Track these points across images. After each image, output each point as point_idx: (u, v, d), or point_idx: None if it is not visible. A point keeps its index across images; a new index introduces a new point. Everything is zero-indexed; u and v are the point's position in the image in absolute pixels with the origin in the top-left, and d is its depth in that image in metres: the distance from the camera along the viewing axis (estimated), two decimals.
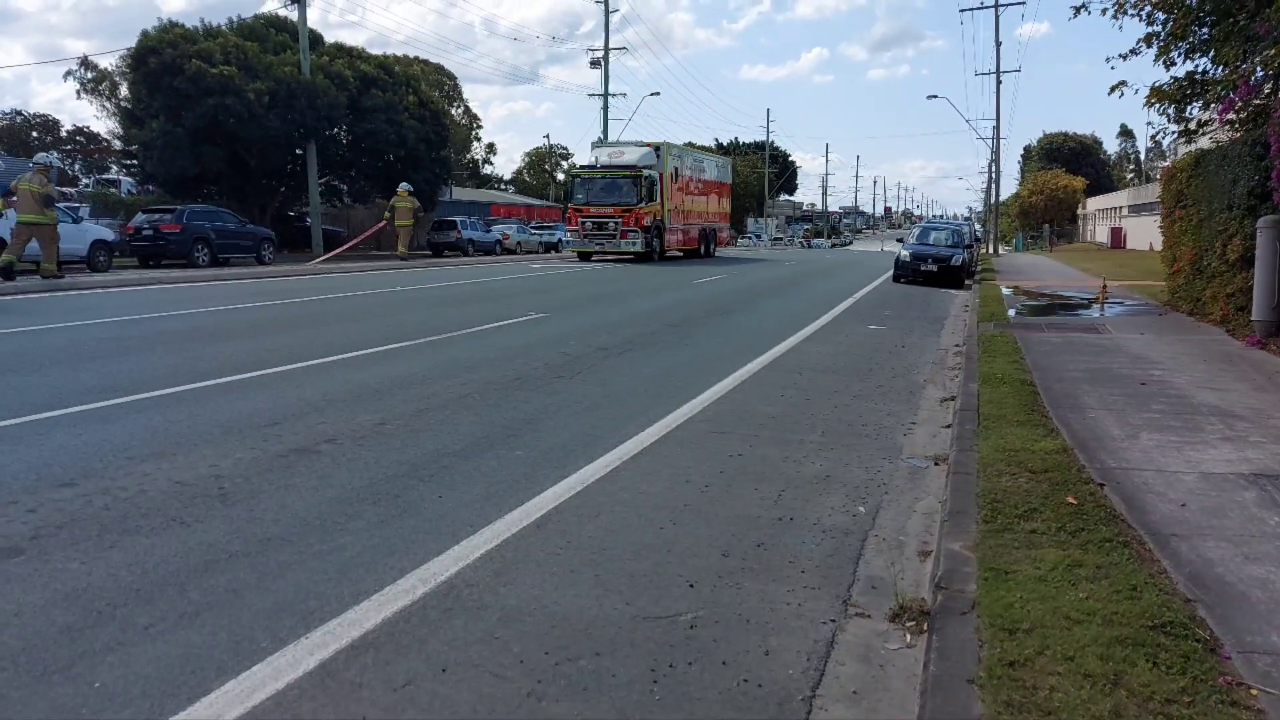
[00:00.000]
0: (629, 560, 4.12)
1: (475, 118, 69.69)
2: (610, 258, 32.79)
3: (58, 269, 19.16)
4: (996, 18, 49.63)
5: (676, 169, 35.14)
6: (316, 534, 4.31)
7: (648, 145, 33.90)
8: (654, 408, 7.23)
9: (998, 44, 49.97)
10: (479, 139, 79.98)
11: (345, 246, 32.52)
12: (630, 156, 33.09)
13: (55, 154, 20.41)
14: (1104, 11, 14.48)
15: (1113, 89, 14.62)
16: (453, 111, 60.54)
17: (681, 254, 36.92)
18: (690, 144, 51.55)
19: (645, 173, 32.20)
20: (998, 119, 55.68)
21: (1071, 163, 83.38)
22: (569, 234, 33.62)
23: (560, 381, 8.28)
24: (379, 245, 43.44)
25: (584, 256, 33.66)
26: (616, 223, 31.84)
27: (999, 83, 50.07)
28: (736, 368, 9.20)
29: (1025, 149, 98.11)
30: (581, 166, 34.79)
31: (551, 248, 45.60)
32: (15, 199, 18.34)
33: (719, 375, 8.72)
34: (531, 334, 11.55)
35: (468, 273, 24.32)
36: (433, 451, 5.81)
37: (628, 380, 8.46)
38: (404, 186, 32.77)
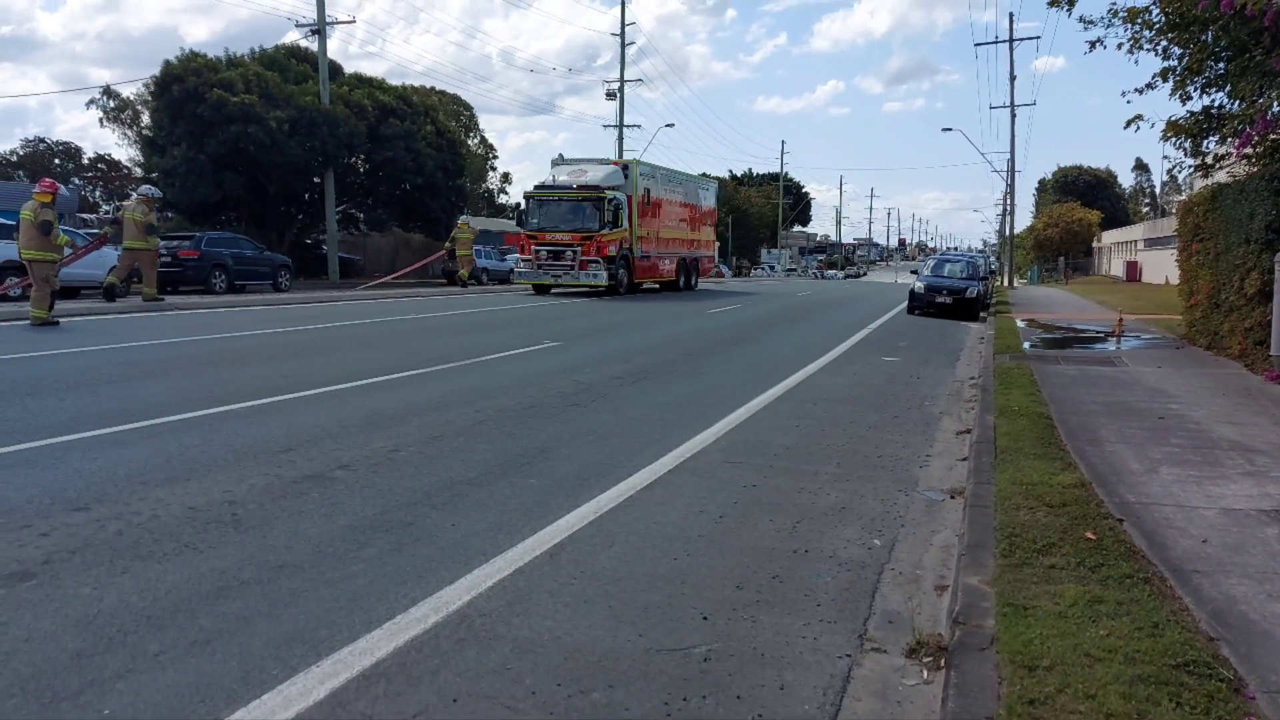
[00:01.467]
0: (643, 591, 4.08)
1: (491, 148, 70.30)
2: (570, 292, 28.38)
3: (157, 292, 20.20)
4: (1011, 53, 49.88)
5: (649, 191, 30.50)
6: (329, 561, 4.29)
7: (614, 164, 29.78)
8: (668, 437, 7.20)
9: (1012, 78, 50.12)
10: (494, 168, 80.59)
11: (402, 272, 32.90)
12: (593, 175, 28.37)
13: (154, 188, 21.17)
14: (1119, 46, 14.49)
15: (1129, 123, 14.61)
16: (469, 141, 61.07)
17: (658, 286, 32.80)
18: (710, 173, 51.21)
19: (610, 194, 27.46)
20: (1012, 152, 55.76)
21: (1086, 196, 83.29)
22: (521, 264, 28.52)
23: (574, 410, 8.26)
24: (393, 271, 43.71)
25: (540, 290, 28.61)
26: (575, 251, 27.08)
27: (1014, 116, 50.20)
28: (751, 397, 9.17)
29: (1040, 182, 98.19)
30: (536, 186, 29.25)
31: None
32: (120, 227, 20.00)
33: (733, 405, 8.69)
34: (546, 362, 11.55)
35: (483, 301, 24.39)
36: (446, 479, 5.79)
37: (642, 409, 8.44)
38: (464, 219, 34.12)
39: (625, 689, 3.18)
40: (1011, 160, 53.49)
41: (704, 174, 44.97)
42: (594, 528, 4.95)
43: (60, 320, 15.03)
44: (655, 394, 9.33)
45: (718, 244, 43.24)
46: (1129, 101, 15.79)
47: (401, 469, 6.00)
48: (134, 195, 20.20)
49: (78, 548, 4.34)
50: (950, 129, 78.40)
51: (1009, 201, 62.29)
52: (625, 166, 29.73)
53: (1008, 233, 64.33)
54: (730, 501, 5.54)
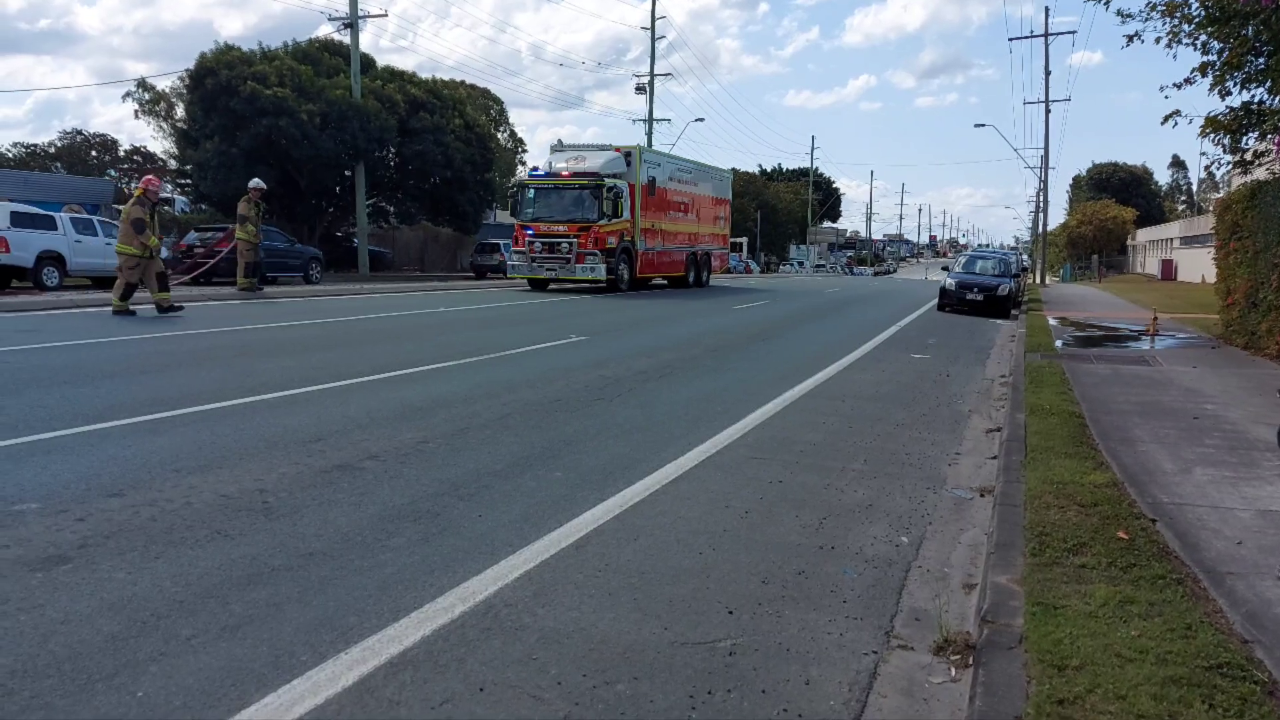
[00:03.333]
0: (668, 585, 4.09)
1: (520, 141, 70.45)
2: (568, 287, 26.96)
3: (247, 283, 20.91)
4: (1046, 48, 49.32)
5: (654, 179, 28.47)
6: (357, 550, 4.33)
7: (616, 150, 27.42)
8: (694, 432, 7.20)
9: (1047, 73, 49.59)
10: (524, 163, 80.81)
11: None
12: (592, 162, 26.32)
13: (257, 180, 21.57)
14: (1157, 40, 14.33)
15: (1166, 119, 14.44)
16: (498, 135, 61.25)
17: (666, 282, 31.35)
18: (739, 168, 50.64)
19: (610, 182, 25.64)
20: (1046, 148, 55.20)
21: (1121, 193, 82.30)
22: (514, 257, 26.65)
23: (600, 404, 8.28)
24: (423, 266, 43.99)
25: (536, 285, 26.82)
26: (571, 243, 25.21)
27: (1048, 112, 49.68)
28: (777, 394, 9.14)
29: (1074, 179, 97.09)
30: (531, 173, 27.69)
31: None
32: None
33: (759, 401, 8.67)
34: (572, 357, 11.58)
35: (510, 295, 24.48)
36: (473, 470, 5.83)
37: (667, 404, 8.44)
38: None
39: (650, 681, 3.19)
40: (1045, 156, 52.97)
41: (732, 168, 44.30)
42: (619, 521, 4.96)
43: (135, 310, 15.48)
44: (680, 389, 9.33)
45: (744, 240, 42.96)
46: (1167, 97, 15.60)
47: (429, 460, 6.04)
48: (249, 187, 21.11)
49: (113, 533, 4.40)
50: (983, 124, 78.07)
51: (1042, 198, 61.66)
52: (628, 153, 27.51)
53: (1040, 230, 63.69)
54: (756, 497, 5.53)
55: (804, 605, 3.93)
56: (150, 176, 15.69)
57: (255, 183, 21.33)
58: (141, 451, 5.93)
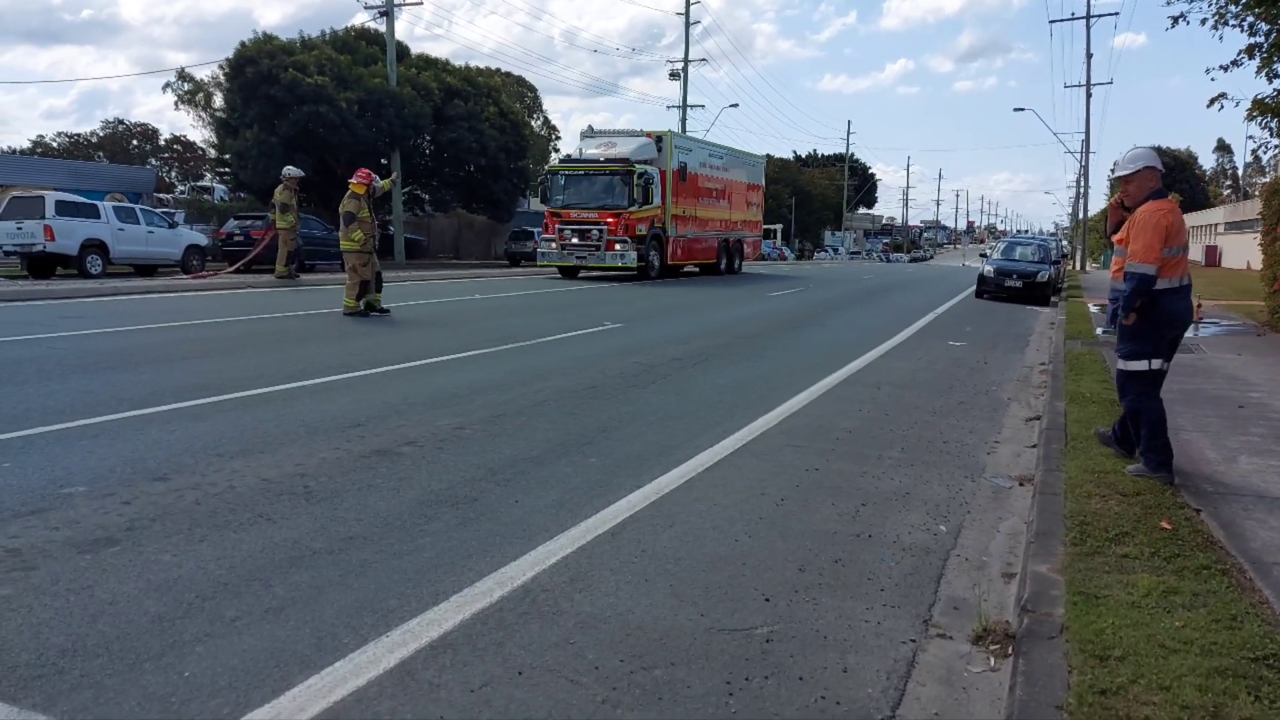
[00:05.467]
0: (704, 571, 4.09)
1: (554, 129, 70.47)
2: (598, 275, 26.71)
3: (285, 270, 20.95)
4: (1088, 30, 48.47)
5: (684, 165, 28.08)
6: (397, 534, 4.38)
7: (647, 136, 27.08)
8: (729, 419, 7.19)
9: (1088, 56, 48.85)
10: (557, 150, 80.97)
11: None
12: (622, 148, 26.04)
13: (294, 168, 21.56)
14: (1203, 22, 14.04)
15: (1211, 101, 14.18)
16: (532, 123, 61.34)
17: (697, 269, 31.11)
18: (774, 154, 50.27)
19: (640, 168, 25.30)
20: (1087, 132, 54.17)
21: (1164, 178, 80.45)
22: (545, 244, 26.45)
23: (634, 391, 8.29)
24: (457, 254, 44.25)
25: (566, 273, 26.86)
26: (602, 230, 24.99)
27: (1089, 95, 48.81)
28: (813, 381, 9.10)
29: (1115, 163, 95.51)
30: (561, 160, 27.57)
31: None
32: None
33: (795, 389, 8.64)
34: (606, 344, 11.60)
35: (541, 282, 24.55)
36: (509, 457, 5.86)
37: (702, 391, 8.43)
38: None
39: (687, 667, 3.20)
40: (1086, 141, 52.04)
41: (765, 154, 43.99)
42: (655, 508, 4.97)
43: (389, 310, 14.40)
44: (715, 376, 9.31)
45: (778, 226, 42.74)
46: (1213, 79, 15.43)
47: (466, 446, 6.08)
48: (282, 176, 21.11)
49: (158, 516, 4.49)
50: (1022, 109, 76.74)
51: (1082, 183, 60.67)
52: (659, 138, 27.23)
53: (1080, 215, 62.71)
54: (792, 484, 5.52)
55: (841, 593, 3.92)
56: (364, 170, 14.72)
57: (291, 170, 21.39)
58: (185, 436, 6.03)
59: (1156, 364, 5.55)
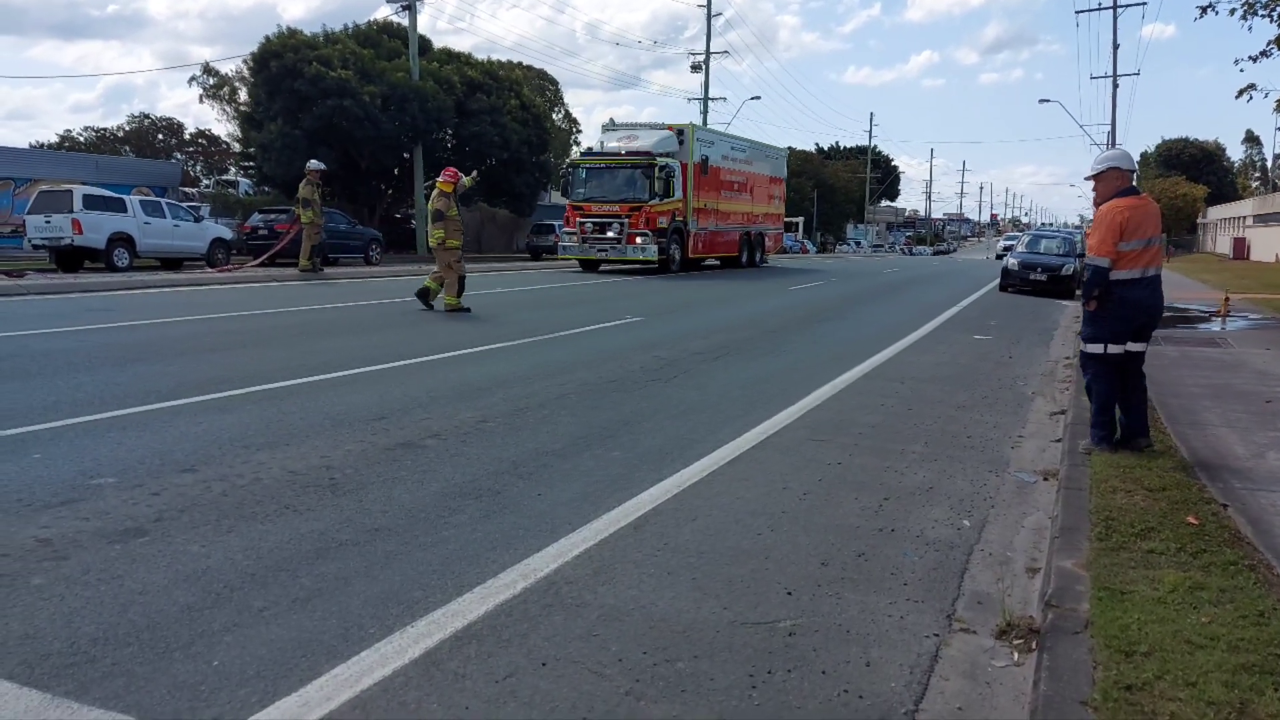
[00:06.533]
0: (726, 565, 4.10)
1: (575, 122, 70.45)
2: (619, 268, 26.77)
3: (309, 264, 21.09)
4: (1115, 20, 47.73)
5: (706, 158, 27.98)
6: (421, 526, 4.42)
7: (668, 129, 27.06)
8: (750, 413, 7.18)
9: (1115, 46, 48.04)
10: (578, 143, 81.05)
11: None
12: (643, 141, 26.10)
13: (318, 161, 21.55)
14: (1231, 12, 13.87)
15: (1240, 92, 14.00)
16: (554, 116, 61.38)
17: (718, 263, 31.03)
18: (796, 146, 50.01)
19: (661, 161, 25.27)
20: (1113, 124, 53.53)
21: (1191, 170, 79.76)
22: (565, 238, 26.62)
23: (656, 385, 8.30)
24: (479, 248, 44.39)
25: (588, 266, 26.95)
26: (623, 224, 24.93)
27: (1115, 87, 48.15)
28: (835, 375, 9.07)
29: (1142, 155, 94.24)
30: (583, 153, 27.75)
31: None
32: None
33: (817, 382, 8.62)
34: (628, 337, 11.62)
35: (562, 276, 24.59)
36: (532, 450, 5.89)
37: (724, 385, 8.43)
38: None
39: (710, 659, 3.21)
40: (1112, 133, 51.37)
41: (788, 147, 43.79)
42: (677, 501, 4.98)
43: (470, 308, 14.06)
44: (737, 370, 9.30)
45: (800, 219, 42.68)
46: (1241, 70, 15.19)
47: (489, 439, 6.11)
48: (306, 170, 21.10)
49: (186, 507, 4.54)
50: (1048, 100, 75.69)
51: None
52: (681, 131, 27.07)
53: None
54: (814, 479, 5.51)
55: (864, 587, 3.91)
56: (450, 168, 14.67)
57: (314, 164, 21.45)
58: (212, 428, 6.10)
59: (1113, 349, 5.99)
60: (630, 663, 3.16)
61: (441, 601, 3.57)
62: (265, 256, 23.37)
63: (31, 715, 2.72)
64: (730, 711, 2.89)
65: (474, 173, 15.77)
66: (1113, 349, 5.99)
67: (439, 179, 14.34)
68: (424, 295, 14.14)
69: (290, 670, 3.02)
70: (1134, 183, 6.13)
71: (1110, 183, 6.11)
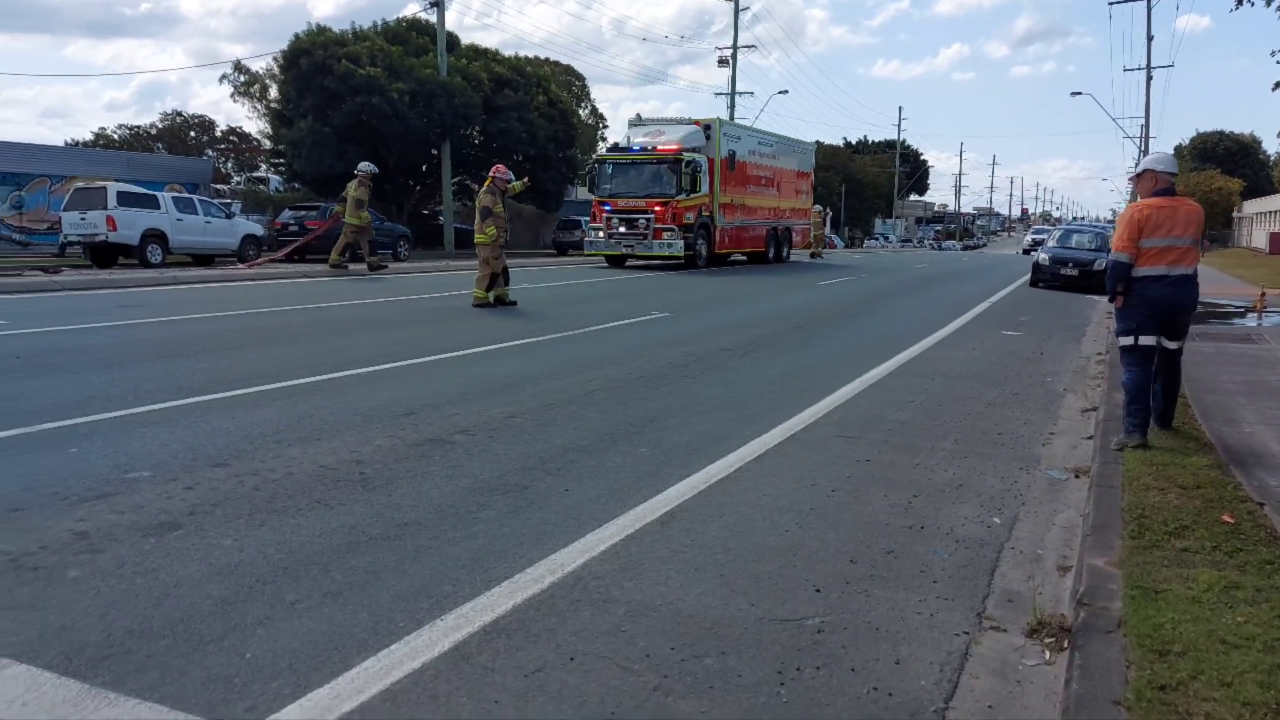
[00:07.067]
0: (754, 561, 4.09)
1: (602, 118, 70.43)
2: (645, 263, 26.75)
3: (340, 262, 21.05)
4: (1149, 11, 47.12)
5: (733, 153, 27.88)
6: (450, 521, 4.44)
7: (695, 124, 27.02)
8: (778, 409, 7.16)
9: (1149, 38, 47.43)
10: (605, 139, 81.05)
11: None
12: (670, 136, 25.98)
13: (370, 164, 21.58)
14: (1268, 3, 13.61)
15: (1277, 85, 13.74)
16: (580, 112, 61.42)
17: (745, 258, 30.74)
18: (824, 141, 49.66)
19: (688, 156, 25.25)
20: (1147, 117, 52.82)
21: (1227, 163, 78.55)
22: (591, 233, 26.64)
23: (683, 381, 8.29)
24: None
25: (614, 262, 26.92)
26: (649, 219, 24.87)
27: (1149, 79, 47.55)
28: (863, 371, 9.02)
29: (1176, 148, 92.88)
30: (609, 149, 27.67)
31: None
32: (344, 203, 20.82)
33: (845, 379, 8.57)
34: (654, 333, 11.62)
35: (588, 271, 24.62)
36: (559, 446, 5.90)
37: (751, 381, 8.41)
38: (817, 209, 37.70)
39: (738, 656, 3.20)
40: (1145, 126, 50.77)
41: (815, 141, 43.57)
42: (704, 497, 4.98)
43: (516, 302, 14.27)
44: (764, 366, 9.28)
45: (829, 213, 42.59)
46: (1278, 61, 14.84)
47: (517, 434, 6.14)
48: (355, 173, 20.98)
49: (219, 501, 4.60)
50: (1079, 93, 74.94)
51: None
52: (707, 127, 26.97)
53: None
54: (843, 475, 5.49)
55: (893, 585, 3.90)
56: (501, 165, 14.88)
57: (367, 167, 21.37)
58: (244, 423, 6.17)
59: (1144, 340, 6.17)
60: (658, 658, 3.17)
61: (470, 596, 3.59)
62: (287, 250, 23.57)
63: (70, 705, 2.76)
64: (759, 708, 2.88)
65: (524, 179, 15.97)
66: (1144, 340, 6.16)
67: (489, 177, 14.49)
68: (499, 299, 14.20)
69: (322, 663, 3.05)
70: (1171, 184, 6.30)
71: (1146, 183, 6.36)
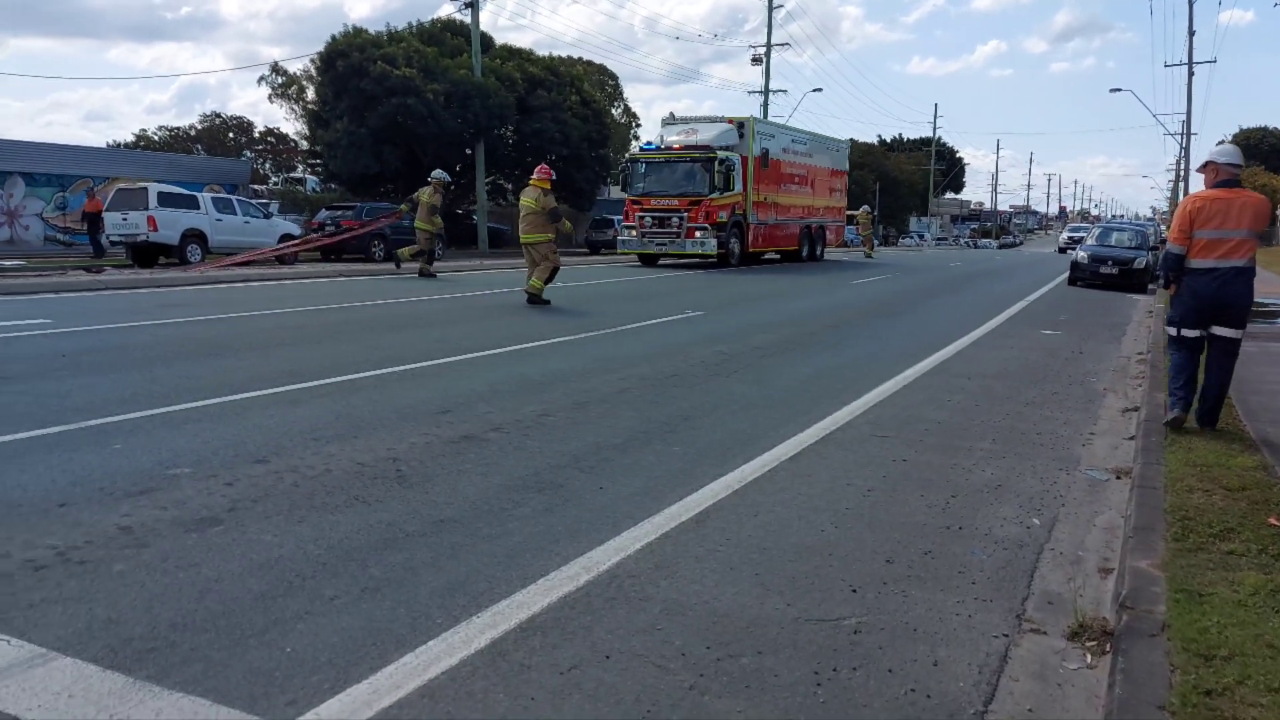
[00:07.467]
0: (789, 561, 4.07)
1: (634, 117, 70.43)
2: (677, 262, 27.01)
3: (430, 270, 20.83)
4: (1190, 5, 46.39)
5: (767, 151, 27.79)
6: (485, 518, 4.47)
7: (728, 122, 26.85)
8: (813, 409, 7.12)
9: (1191, 33, 46.66)
10: (637, 138, 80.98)
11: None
12: (703, 135, 25.86)
13: (444, 173, 21.59)
14: None
15: None
16: (613, 111, 61.49)
17: (778, 257, 30.77)
18: (858, 139, 49.34)
19: (721, 154, 25.19)
20: (1188, 113, 52.11)
21: (1271, 160, 76.92)
22: (624, 232, 26.68)
23: (717, 380, 8.27)
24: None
25: (646, 261, 27.11)
26: (681, 218, 24.92)
27: (1191, 74, 46.76)
28: (899, 371, 8.95)
29: (1219, 144, 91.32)
30: (642, 148, 27.58)
31: None
32: (415, 206, 20.83)
33: (880, 378, 8.51)
34: (687, 332, 11.60)
35: (621, 270, 24.64)
36: (593, 444, 5.91)
37: (785, 380, 8.37)
38: (865, 209, 39.09)
39: (774, 656, 3.19)
40: (1187, 122, 49.95)
41: (849, 139, 43.34)
42: (738, 496, 4.96)
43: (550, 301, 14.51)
44: (798, 365, 9.24)
45: (875, 213, 42.52)
46: None
47: (550, 432, 6.16)
48: (429, 179, 21.05)
49: (259, 497, 4.66)
50: (1119, 89, 73.83)
51: (1182, 166, 58.23)
52: (741, 125, 26.90)
53: (1181, 199, 60.27)
54: (879, 475, 5.45)
55: (931, 585, 3.86)
56: (545, 166, 15.08)
57: (441, 174, 21.37)
58: (283, 420, 6.24)
59: (1187, 333, 6.42)
60: (694, 657, 3.16)
61: (506, 593, 3.61)
62: (338, 238, 23.87)
63: (116, 698, 2.81)
64: (796, 709, 2.87)
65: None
66: (1186, 333, 6.41)
67: (540, 178, 14.64)
68: (534, 298, 14.36)
69: (361, 658, 3.08)
70: (1233, 176, 6.38)
71: (1209, 175, 6.44)
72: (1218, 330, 6.34)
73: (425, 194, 20.54)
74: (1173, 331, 6.55)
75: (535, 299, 14.30)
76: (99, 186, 30.13)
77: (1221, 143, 7.05)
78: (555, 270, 14.67)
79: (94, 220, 26.74)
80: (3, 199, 29.30)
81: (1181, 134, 51.72)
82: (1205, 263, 6.21)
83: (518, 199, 45.17)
